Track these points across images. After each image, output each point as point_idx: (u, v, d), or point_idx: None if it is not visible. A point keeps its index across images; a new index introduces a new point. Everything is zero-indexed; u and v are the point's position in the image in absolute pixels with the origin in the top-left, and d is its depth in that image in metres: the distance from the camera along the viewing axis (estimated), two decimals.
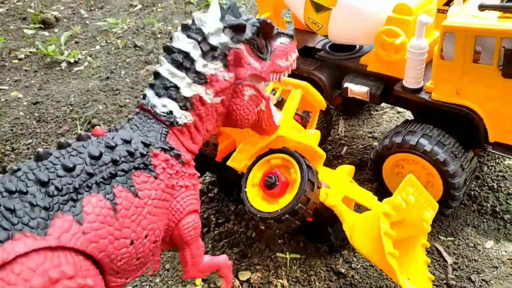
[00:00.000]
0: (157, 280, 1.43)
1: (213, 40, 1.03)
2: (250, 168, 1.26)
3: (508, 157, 1.67)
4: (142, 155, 0.95)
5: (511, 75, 1.20)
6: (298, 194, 1.16)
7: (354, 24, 1.50)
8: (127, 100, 2.41)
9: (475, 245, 1.46)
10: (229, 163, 1.35)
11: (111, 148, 0.93)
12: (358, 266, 1.41)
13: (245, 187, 1.25)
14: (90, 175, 0.89)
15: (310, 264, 1.43)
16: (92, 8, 3.61)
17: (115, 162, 0.92)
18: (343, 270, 1.39)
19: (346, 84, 1.58)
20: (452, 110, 1.37)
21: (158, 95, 1.03)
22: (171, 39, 1.07)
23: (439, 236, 1.50)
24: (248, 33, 1.06)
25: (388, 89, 1.54)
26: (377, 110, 2.14)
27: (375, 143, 1.94)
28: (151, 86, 1.05)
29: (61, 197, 0.85)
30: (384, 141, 1.47)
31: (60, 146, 0.92)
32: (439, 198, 1.44)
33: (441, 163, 1.36)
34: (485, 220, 1.55)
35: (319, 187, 1.21)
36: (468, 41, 1.25)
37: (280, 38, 1.17)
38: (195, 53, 1.02)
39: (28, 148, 2.10)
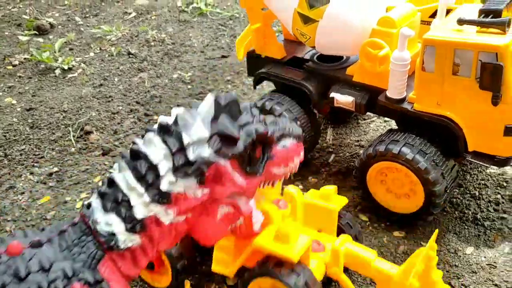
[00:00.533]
0: None
1: (192, 153, 0.83)
2: None
3: (485, 166, 1.72)
4: None
5: (487, 87, 1.25)
6: None
7: (340, 36, 1.55)
8: (120, 107, 2.44)
9: (456, 251, 1.51)
10: (214, 268, 1.24)
11: (19, 279, 0.76)
12: None
13: None
14: None
15: None
16: (87, 15, 3.65)
17: None
18: None
19: (332, 94, 1.63)
20: (433, 120, 1.42)
21: (105, 209, 0.85)
22: (142, 136, 0.89)
23: (421, 242, 1.54)
24: (240, 147, 0.85)
25: (373, 99, 1.59)
26: (364, 119, 2.19)
27: (362, 151, 1.99)
28: (101, 195, 0.87)
29: None
30: (368, 150, 1.52)
31: None
32: (421, 205, 1.49)
33: (422, 171, 1.40)
34: (466, 227, 1.60)
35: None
36: (448, 54, 1.30)
37: (284, 141, 0.94)
38: (164, 167, 0.83)
39: (21, 154, 2.13)
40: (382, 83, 1.53)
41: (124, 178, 0.86)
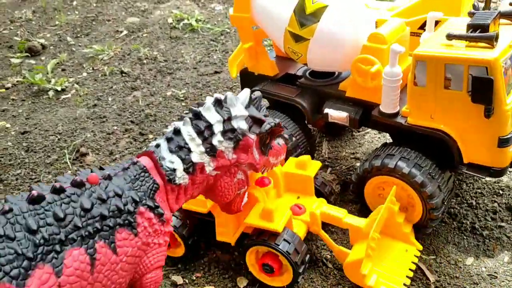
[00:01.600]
0: None
1: (235, 123, 1.15)
2: (244, 256, 1.43)
3: (481, 177, 1.73)
4: (129, 212, 1.01)
5: (479, 100, 1.26)
6: (295, 271, 1.35)
7: (331, 53, 1.56)
8: (115, 127, 2.44)
9: (456, 262, 1.51)
10: (218, 238, 1.51)
11: (103, 201, 0.98)
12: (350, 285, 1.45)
13: (250, 271, 1.45)
14: (77, 228, 0.93)
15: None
16: (78, 35, 3.66)
17: (103, 217, 0.97)
18: None
19: (326, 110, 1.64)
20: (427, 133, 1.43)
21: (171, 151, 1.11)
22: (198, 104, 1.18)
23: (421, 255, 1.54)
24: (263, 129, 1.19)
25: (366, 114, 1.60)
26: (358, 131, 2.20)
27: (358, 164, 2.00)
28: (168, 140, 1.13)
29: (46, 247, 0.88)
30: (364, 165, 1.52)
31: (55, 191, 0.95)
32: (419, 218, 1.49)
33: (419, 184, 1.41)
34: (465, 237, 1.60)
35: (302, 247, 1.38)
36: (439, 68, 1.31)
37: (279, 139, 1.32)
38: (217, 127, 1.13)
39: (17, 179, 2.12)
40: (375, 97, 1.55)
41: (187, 130, 1.13)
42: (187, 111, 1.18)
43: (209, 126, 1.13)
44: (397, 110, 1.49)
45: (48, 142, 2.36)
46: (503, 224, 1.62)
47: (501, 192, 1.75)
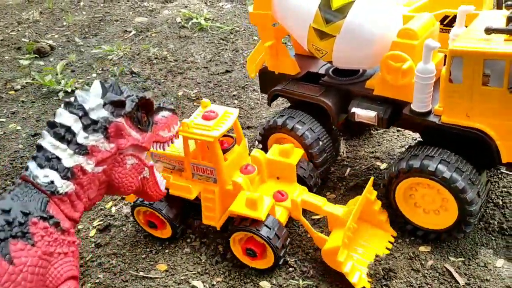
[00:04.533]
0: None
1: (94, 115, 1.13)
2: (228, 244, 1.51)
3: None
4: (20, 224, 1.02)
5: None
6: (276, 255, 1.43)
7: (359, 50, 1.51)
8: None
9: (486, 264, 1.46)
10: (204, 222, 1.59)
11: None
12: None
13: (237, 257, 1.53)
14: None
15: None
16: (86, 36, 3.61)
17: None
18: None
19: (353, 109, 1.59)
20: (463, 132, 1.37)
21: (40, 166, 1.10)
22: (54, 115, 1.17)
23: (449, 257, 1.49)
24: (128, 108, 1.16)
25: (395, 113, 1.55)
26: (377, 130, 2.15)
27: (378, 163, 1.94)
28: (34, 158, 1.12)
29: None
30: (400, 164, 1.46)
31: None
32: (453, 223, 1.44)
33: (459, 190, 1.35)
34: (493, 238, 1.55)
35: (282, 232, 1.45)
36: (477, 64, 1.26)
37: (162, 112, 1.30)
38: (76, 127, 1.12)
39: None
40: (405, 95, 1.49)
41: (49, 142, 1.12)
42: (45, 126, 1.18)
43: (68, 129, 1.12)
44: (429, 108, 1.44)
45: None
46: None
47: None
